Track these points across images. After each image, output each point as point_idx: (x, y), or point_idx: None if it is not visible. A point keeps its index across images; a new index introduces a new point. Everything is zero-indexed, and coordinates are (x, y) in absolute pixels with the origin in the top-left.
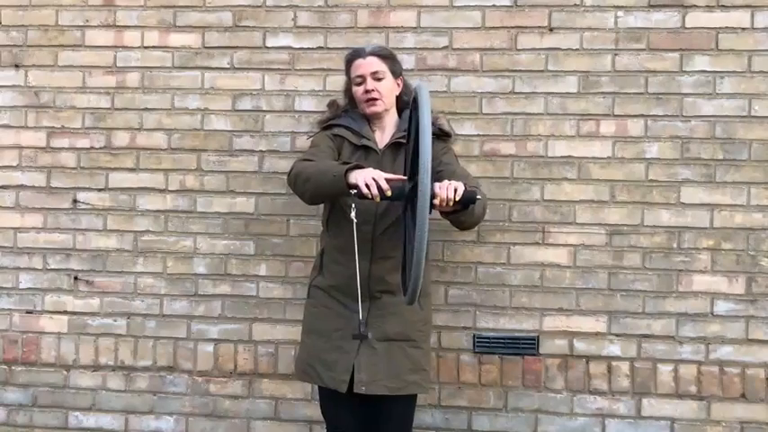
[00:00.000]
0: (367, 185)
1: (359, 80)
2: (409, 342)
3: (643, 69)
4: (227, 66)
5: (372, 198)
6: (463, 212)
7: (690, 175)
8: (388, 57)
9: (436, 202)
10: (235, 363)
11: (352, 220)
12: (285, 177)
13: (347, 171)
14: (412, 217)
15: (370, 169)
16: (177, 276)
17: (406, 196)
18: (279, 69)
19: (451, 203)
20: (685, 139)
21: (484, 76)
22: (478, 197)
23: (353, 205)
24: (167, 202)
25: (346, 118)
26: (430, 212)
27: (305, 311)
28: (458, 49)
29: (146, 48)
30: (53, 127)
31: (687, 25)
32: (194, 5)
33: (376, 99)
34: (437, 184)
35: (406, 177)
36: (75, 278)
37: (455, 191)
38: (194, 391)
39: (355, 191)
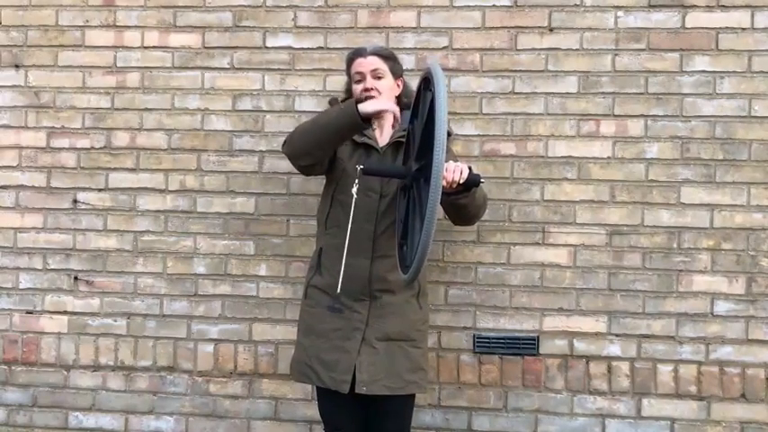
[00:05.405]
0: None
1: (358, 77)
2: (409, 342)
3: (643, 69)
4: (227, 66)
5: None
6: (465, 195)
7: (690, 175)
8: (388, 57)
9: (444, 183)
10: (235, 363)
11: (353, 195)
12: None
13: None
14: (418, 195)
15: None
16: (177, 276)
17: (411, 176)
18: (279, 69)
19: (455, 186)
20: (685, 140)
21: (484, 76)
22: (482, 180)
23: (356, 181)
24: (167, 202)
25: None
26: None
27: (301, 312)
28: (458, 49)
29: (146, 48)
30: (53, 127)
31: (687, 25)
32: (194, 5)
33: (374, 97)
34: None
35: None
36: (75, 278)
37: (461, 173)
38: (194, 391)
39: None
